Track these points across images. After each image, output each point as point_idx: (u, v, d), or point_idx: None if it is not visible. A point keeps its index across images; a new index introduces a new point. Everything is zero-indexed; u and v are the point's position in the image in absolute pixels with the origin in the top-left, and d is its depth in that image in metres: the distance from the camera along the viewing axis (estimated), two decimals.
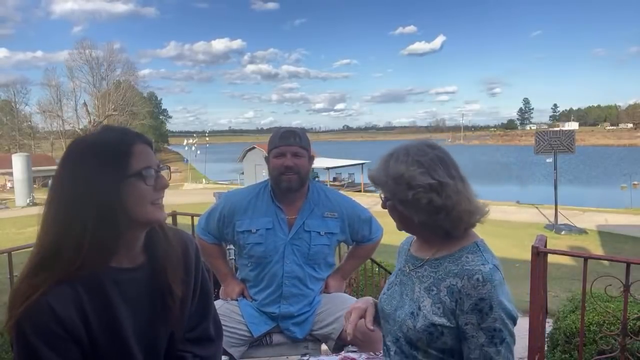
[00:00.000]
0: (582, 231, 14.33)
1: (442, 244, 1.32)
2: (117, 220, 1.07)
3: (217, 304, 2.12)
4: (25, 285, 1.04)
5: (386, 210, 1.37)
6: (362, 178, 33.76)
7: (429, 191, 1.24)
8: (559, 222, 15.03)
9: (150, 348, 1.18)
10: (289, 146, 2.09)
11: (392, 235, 1.89)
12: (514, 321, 1.24)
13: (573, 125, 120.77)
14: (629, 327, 2.36)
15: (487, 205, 1.33)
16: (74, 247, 1.04)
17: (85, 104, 55.74)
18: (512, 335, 1.23)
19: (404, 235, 1.51)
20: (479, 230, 1.35)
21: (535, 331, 2.49)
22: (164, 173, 1.17)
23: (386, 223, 1.60)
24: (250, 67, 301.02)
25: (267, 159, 2.17)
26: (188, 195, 24.11)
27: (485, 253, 1.28)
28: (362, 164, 36.24)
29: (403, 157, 1.28)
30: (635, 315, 2.61)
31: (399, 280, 1.42)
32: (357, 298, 3.06)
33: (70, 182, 1.07)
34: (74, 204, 1.06)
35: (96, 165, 1.06)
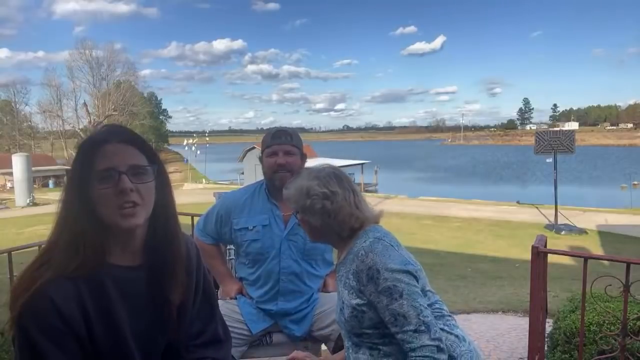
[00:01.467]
0: (582, 231, 14.31)
1: (344, 246, 1.58)
2: (95, 221, 1.07)
3: None
4: (28, 277, 1.06)
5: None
6: (362, 178, 33.71)
7: (322, 198, 1.52)
8: (559, 222, 15.02)
9: (148, 348, 1.18)
10: (280, 145, 2.14)
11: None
12: (407, 272, 1.42)
13: (573, 125, 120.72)
14: (629, 327, 2.36)
15: (381, 213, 1.62)
16: (73, 246, 1.06)
17: (85, 104, 55.67)
18: (410, 284, 1.41)
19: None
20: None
21: (535, 331, 2.49)
22: (134, 178, 1.08)
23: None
24: (251, 67, 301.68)
25: (261, 159, 2.21)
26: (188, 195, 24.10)
27: (369, 232, 1.52)
28: (362, 164, 36.15)
29: (306, 175, 1.59)
30: (635, 315, 2.60)
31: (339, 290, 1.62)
32: None
33: (66, 181, 1.12)
34: (66, 203, 1.09)
35: (75, 165, 1.10)
